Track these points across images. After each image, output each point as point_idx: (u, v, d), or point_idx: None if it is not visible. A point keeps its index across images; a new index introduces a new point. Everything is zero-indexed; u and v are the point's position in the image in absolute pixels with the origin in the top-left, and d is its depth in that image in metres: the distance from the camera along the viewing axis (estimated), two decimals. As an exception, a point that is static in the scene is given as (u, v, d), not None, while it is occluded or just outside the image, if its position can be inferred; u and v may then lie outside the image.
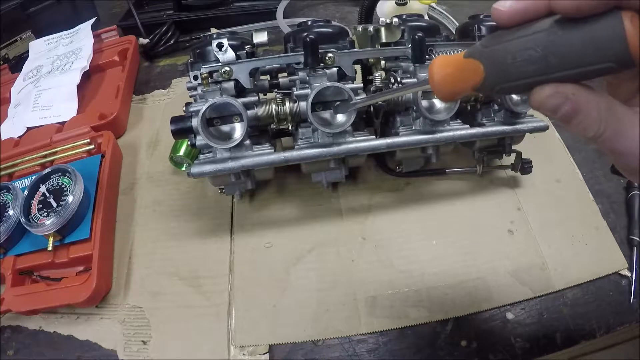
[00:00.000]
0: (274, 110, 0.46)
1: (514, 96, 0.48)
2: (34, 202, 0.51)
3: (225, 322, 0.47)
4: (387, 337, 0.46)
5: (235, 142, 0.43)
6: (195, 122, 0.43)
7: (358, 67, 0.52)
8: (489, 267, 0.50)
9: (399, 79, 0.46)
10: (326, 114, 0.45)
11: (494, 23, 0.26)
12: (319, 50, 0.44)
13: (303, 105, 0.45)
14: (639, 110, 0.22)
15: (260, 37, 0.48)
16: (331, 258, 0.51)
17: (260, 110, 0.46)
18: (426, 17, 0.75)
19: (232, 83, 0.45)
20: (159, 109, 0.70)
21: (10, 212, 0.51)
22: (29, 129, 0.66)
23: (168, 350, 0.46)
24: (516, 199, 0.56)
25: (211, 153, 0.45)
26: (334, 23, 0.51)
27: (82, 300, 0.46)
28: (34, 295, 0.48)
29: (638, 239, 0.51)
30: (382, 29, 0.48)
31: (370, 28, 0.50)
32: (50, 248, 0.48)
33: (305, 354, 0.45)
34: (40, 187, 0.52)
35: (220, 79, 0.44)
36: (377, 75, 0.47)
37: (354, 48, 0.49)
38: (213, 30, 0.62)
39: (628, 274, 0.49)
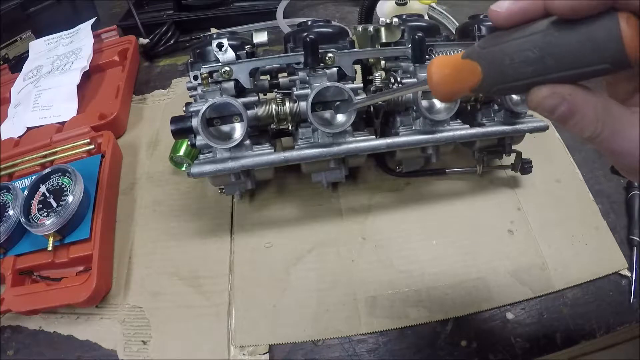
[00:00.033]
0: (274, 110, 0.46)
1: (514, 96, 0.48)
2: (34, 202, 0.51)
3: (225, 322, 0.47)
4: (387, 337, 0.46)
5: (235, 142, 0.43)
6: (195, 122, 0.43)
7: (358, 67, 0.52)
8: (489, 267, 0.50)
9: (399, 79, 0.46)
10: (326, 114, 0.45)
11: (493, 24, 0.26)
12: (319, 50, 0.44)
13: (303, 105, 0.45)
14: (636, 109, 0.22)
15: (260, 37, 0.48)
16: (331, 258, 0.51)
17: (260, 110, 0.46)
18: (426, 17, 0.75)
19: (232, 83, 0.45)
20: (159, 109, 0.70)
21: (10, 212, 0.51)
22: (29, 129, 0.66)
23: (168, 350, 0.46)
24: (516, 199, 0.56)
25: (211, 153, 0.45)
26: (334, 23, 0.51)
27: (82, 300, 0.46)
28: (34, 295, 0.48)
29: (638, 239, 0.51)
30: (382, 29, 0.48)
31: (370, 28, 0.50)
32: (50, 248, 0.48)
33: (305, 354, 0.45)
34: (40, 187, 0.52)
35: (220, 79, 0.44)
36: (377, 75, 0.47)
37: (354, 48, 0.49)
38: (213, 30, 0.62)
39: (628, 274, 0.49)
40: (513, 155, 0.54)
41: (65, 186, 0.52)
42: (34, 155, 0.60)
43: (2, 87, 0.75)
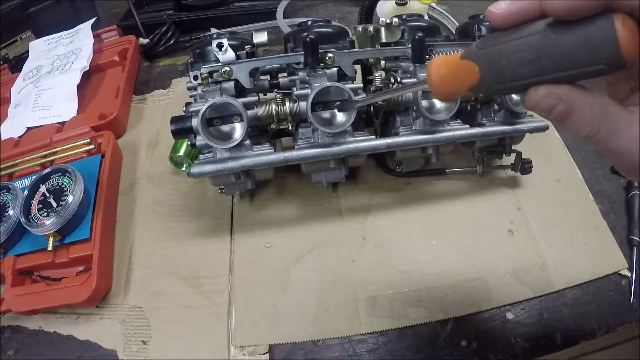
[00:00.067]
0: (274, 110, 0.46)
1: (514, 96, 0.48)
2: (34, 202, 0.51)
3: (225, 322, 0.47)
4: (387, 337, 0.46)
5: (235, 142, 0.43)
6: (195, 122, 0.43)
7: (358, 67, 0.52)
8: (489, 267, 0.50)
9: (399, 79, 0.46)
10: (326, 114, 0.45)
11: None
12: (319, 50, 0.44)
13: (303, 105, 0.45)
14: (634, 109, 0.22)
15: (260, 37, 0.48)
16: (331, 258, 0.51)
17: (260, 110, 0.46)
18: (426, 17, 0.75)
19: (232, 83, 0.45)
20: (159, 109, 0.70)
21: (10, 212, 0.51)
22: (29, 129, 0.66)
23: (168, 350, 0.46)
24: (516, 199, 0.56)
25: (211, 153, 0.45)
26: (334, 23, 0.51)
27: (82, 300, 0.46)
28: (34, 295, 0.48)
29: (638, 239, 0.51)
30: (382, 29, 0.48)
31: (370, 28, 0.50)
32: (50, 248, 0.48)
33: (305, 354, 0.45)
34: (40, 187, 0.52)
35: (220, 79, 0.44)
36: (377, 75, 0.47)
37: (354, 48, 0.49)
38: (213, 30, 0.62)
39: (628, 274, 0.49)
40: (513, 155, 0.54)
41: (65, 186, 0.52)
42: (34, 155, 0.60)
43: (2, 87, 0.75)
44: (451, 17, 0.79)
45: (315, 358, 0.45)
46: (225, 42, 0.44)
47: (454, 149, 0.53)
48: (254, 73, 0.46)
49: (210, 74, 0.44)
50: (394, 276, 0.49)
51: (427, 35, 0.46)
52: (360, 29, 0.52)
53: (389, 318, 0.47)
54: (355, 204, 0.56)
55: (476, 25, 0.50)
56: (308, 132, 0.47)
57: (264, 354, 0.45)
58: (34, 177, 0.53)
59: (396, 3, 0.71)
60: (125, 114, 0.69)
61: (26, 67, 0.76)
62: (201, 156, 0.46)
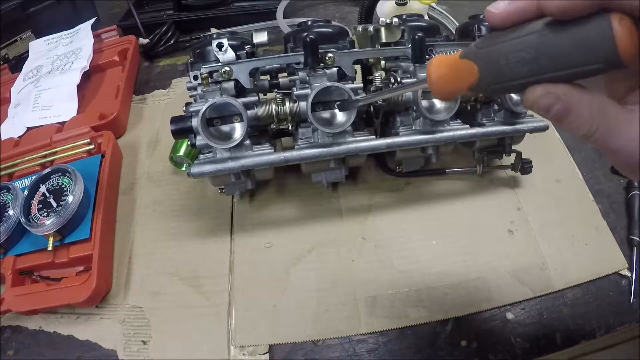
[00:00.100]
0: (274, 110, 0.46)
1: (514, 96, 0.48)
2: (34, 202, 0.51)
3: (225, 322, 0.47)
4: (387, 337, 0.46)
5: (235, 142, 0.43)
6: (195, 122, 0.43)
7: (358, 67, 0.52)
8: (489, 267, 0.50)
9: (399, 79, 0.46)
10: (326, 114, 0.45)
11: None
12: (319, 50, 0.44)
13: (303, 105, 0.45)
14: (633, 108, 0.22)
15: (260, 37, 0.48)
16: (331, 258, 0.51)
17: (260, 110, 0.46)
18: (426, 17, 0.75)
19: (232, 83, 0.45)
20: (159, 109, 0.70)
21: (10, 212, 0.51)
22: (29, 129, 0.66)
23: (168, 350, 0.46)
24: (516, 199, 0.56)
25: (211, 153, 0.45)
26: (334, 23, 0.51)
27: (82, 300, 0.46)
28: (34, 295, 0.48)
29: (638, 239, 0.51)
30: (382, 29, 0.48)
31: (370, 28, 0.50)
32: (50, 248, 0.48)
33: (305, 354, 0.45)
34: (40, 187, 0.52)
35: (220, 79, 0.44)
36: (377, 75, 0.47)
37: (354, 48, 0.49)
38: (213, 30, 0.62)
39: (628, 274, 0.49)
40: (513, 155, 0.54)
41: (65, 186, 0.52)
42: (34, 155, 0.60)
43: (2, 87, 0.76)
44: (451, 17, 0.79)
45: (315, 358, 0.45)
46: (225, 42, 0.44)
47: (454, 149, 0.53)
48: (254, 73, 0.46)
49: (210, 74, 0.44)
50: (394, 276, 0.49)
51: (427, 35, 0.46)
52: (360, 29, 0.52)
53: (389, 318, 0.47)
54: (355, 204, 0.56)
55: (476, 25, 0.50)
56: (308, 132, 0.47)
57: (264, 354, 0.45)
58: (34, 177, 0.53)
59: (396, 3, 0.71)
60: (125, 114, 0.69)
61: (26, 67, 0.76)
62: (201, 156, 0.46)
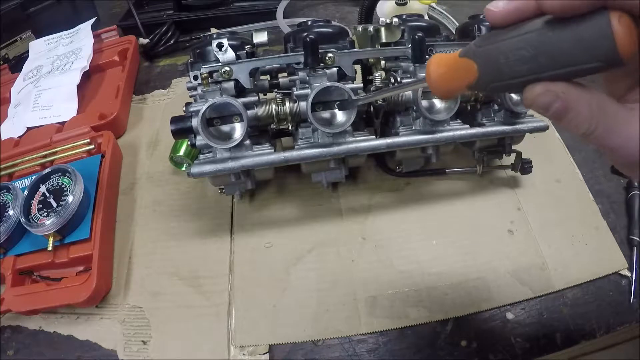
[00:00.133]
0: (274, 110, 0.46)
1: (514, 96, 0.48)
2: (34, 202, 0.51)
3: (225, 322, 0.47)
4: (387, 337, 0.46)
5: (235, 142, 0.43)
6: (195, 122, 0.43)
7: (358, 67, 0.52)
8: (489, 267, 0.50)
9: (399, 78, 0.46)
10: (326, 114, 0.45)
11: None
12: (319, 50, 0.44)
13: (303, 105, 0.45)
14: (633, 106, 0.22)
15: (260, 37, 0.48)
16: (331, 258, 0.51)
17: (260, 110, 0.46)
18: (426, 17, 0.75)
19: (232, 83, 0.45)
20: (159, 109, 0.70)
21: (10, 212, 0.51)
22: (29, 129, 0.66)
23: (168, 350, 0.46)
24: (516, 199, 0.56)
25: (211, 153, 0.45)
26: (334, 23, 0.51)
27: (82, 300, 0.46)
28: (34, 295, 0.48)
29: (638, 239, 0.51)
30: (382, 29, 0.48)
31: (370, 28, 0.50)
32: (50, 248, 0.48)
33: (305, 354, 0.45)
34: (40, 187, 0.52)
35: (220, 79, 0.44)
36: (377, 75, 0.47)
37: (354, 48, 0.49)
38: (213, 30, 0.62)
39: (628, 274, 0.49)
40: (513, 155, 0.54)
41: (65, 186, 0.52)
42: (34, 155, 0.60)
43: (2, 87, 0.75)
44: (451, 17, 0.79)
45: (315, 358, 0.45)
46: (225, 42, 0.44)
47: (454, 149, 0.53)
48: (254, 73, 0.46)
49: (210, 74, 0.44)
50: (394, 276, 0.49)
51: (427, 35, 0.46)
52: (360, 29, 0.52)
53: (389, 318, 0.47)
54: (355, 204, 0.56)
55: (476, 25, 0.50)
56: (308, 132, 0.47)
57: (264, 354, 0.45)
58: (34, 177, 0.53)
59: (396, 3, 0.71)
60: (125, 114, 0.69)
61: (26, 67, 0.76)
62: (201, 156, 0.46)
